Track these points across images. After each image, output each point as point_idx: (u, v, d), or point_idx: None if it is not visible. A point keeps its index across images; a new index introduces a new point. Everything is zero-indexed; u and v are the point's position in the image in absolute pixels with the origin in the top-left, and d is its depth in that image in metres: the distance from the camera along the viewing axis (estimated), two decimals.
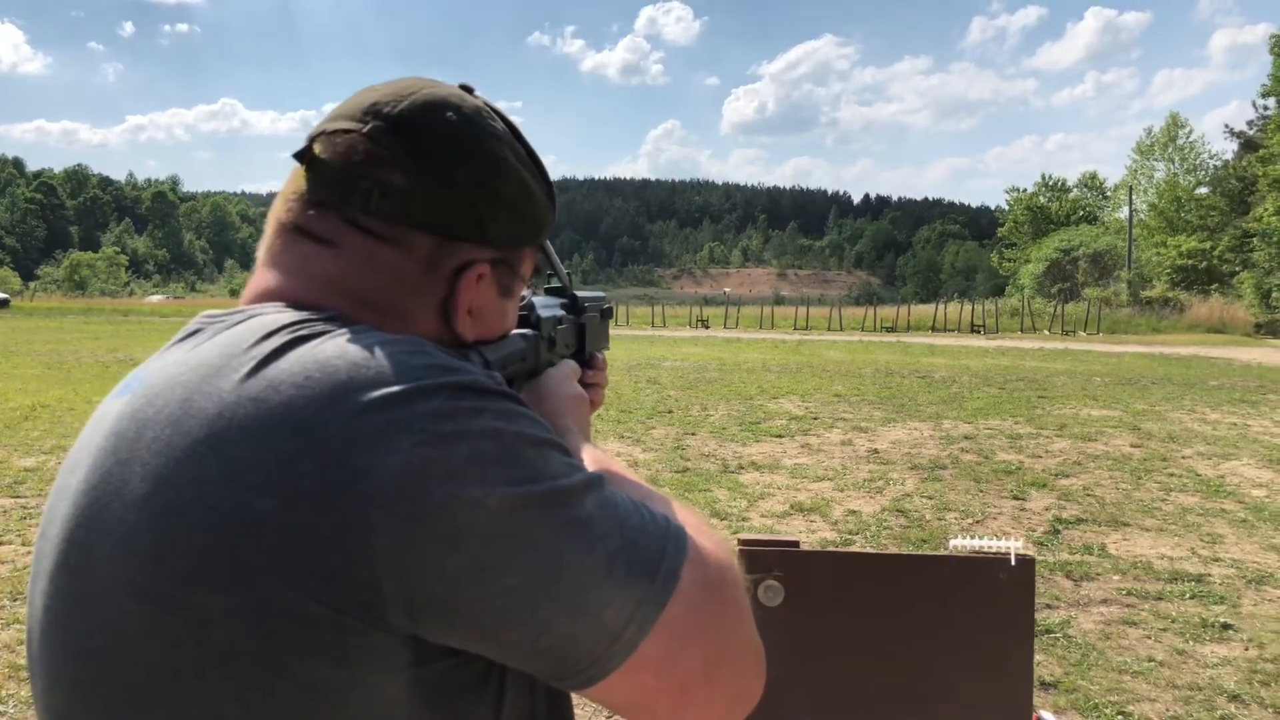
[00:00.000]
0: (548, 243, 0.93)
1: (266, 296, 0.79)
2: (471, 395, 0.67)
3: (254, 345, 0.69)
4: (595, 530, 0.66)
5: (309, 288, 0.78)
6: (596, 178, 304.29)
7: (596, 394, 1.18)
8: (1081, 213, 64.36)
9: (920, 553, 1.24)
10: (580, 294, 1.21)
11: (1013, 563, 1.27)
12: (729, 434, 9.84)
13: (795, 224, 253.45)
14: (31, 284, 78.33)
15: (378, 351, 0.68)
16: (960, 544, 1.31)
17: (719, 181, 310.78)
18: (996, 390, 13.90)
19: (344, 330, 0.71)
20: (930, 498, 7.01)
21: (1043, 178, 68.44)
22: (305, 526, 0.61)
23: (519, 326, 0.99)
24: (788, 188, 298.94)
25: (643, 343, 26.43)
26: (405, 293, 0.79)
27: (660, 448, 8.99)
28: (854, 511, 6.58)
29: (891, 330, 35.32)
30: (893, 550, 5.61)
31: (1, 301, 45.23)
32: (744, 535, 1.33)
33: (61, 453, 8.34)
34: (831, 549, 1.31)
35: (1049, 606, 4.69)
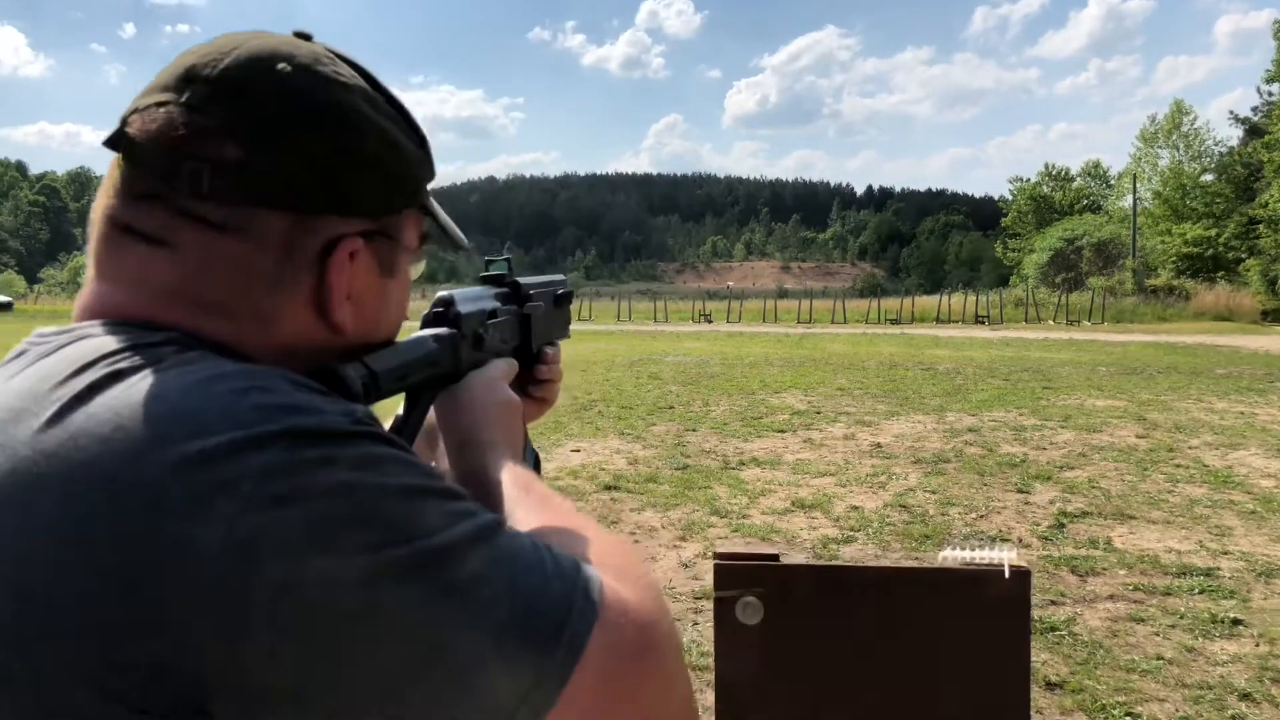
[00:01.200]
0: (433, 203, 0.81)
1: (96, 313, 0.67)
2: (318, 442, 0.55)
3: (63, 382, 0.57)
4: (480, 596, 0.55)
5: (143, 299, 0.66)
6: (598, 173, 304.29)
7: (548, 391, 1.07)
8: (1085, 202, 64.21)
9: (909, 565, 1.16)
10: (527, 280, 1.08)
11: (1006, 575, 1.18)
12: (730, 430, 9.75)
13: (798, 217, 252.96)
14: (36, 287, 78.35)
15: (202, 391, 0.56)
16: (952, 555, 1.23)
17: (721, 175, 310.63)
18: (1001, 381, 13.80)
19: (172, 362, 0.59)
20: (933, 492, 6.92)
21: (1046, 167, 68.28)
22: (107, 614, 0.50)
23: (435, 324, 0.88)
24: (790, 180, 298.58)
25: (645, 338, 26.35)
26: (263, 290, 0.67)
27: (661, 444, 8.91)
28: (856, 507, 6.49)
29: (895, 322, 35.20)
30: (895, 547, 5.54)
31: (4, 305, 45.36)
32: (720, 549, 1.24)
33: None
34: (813, 562, 1.23)
35: (1054, 603, 4.60)
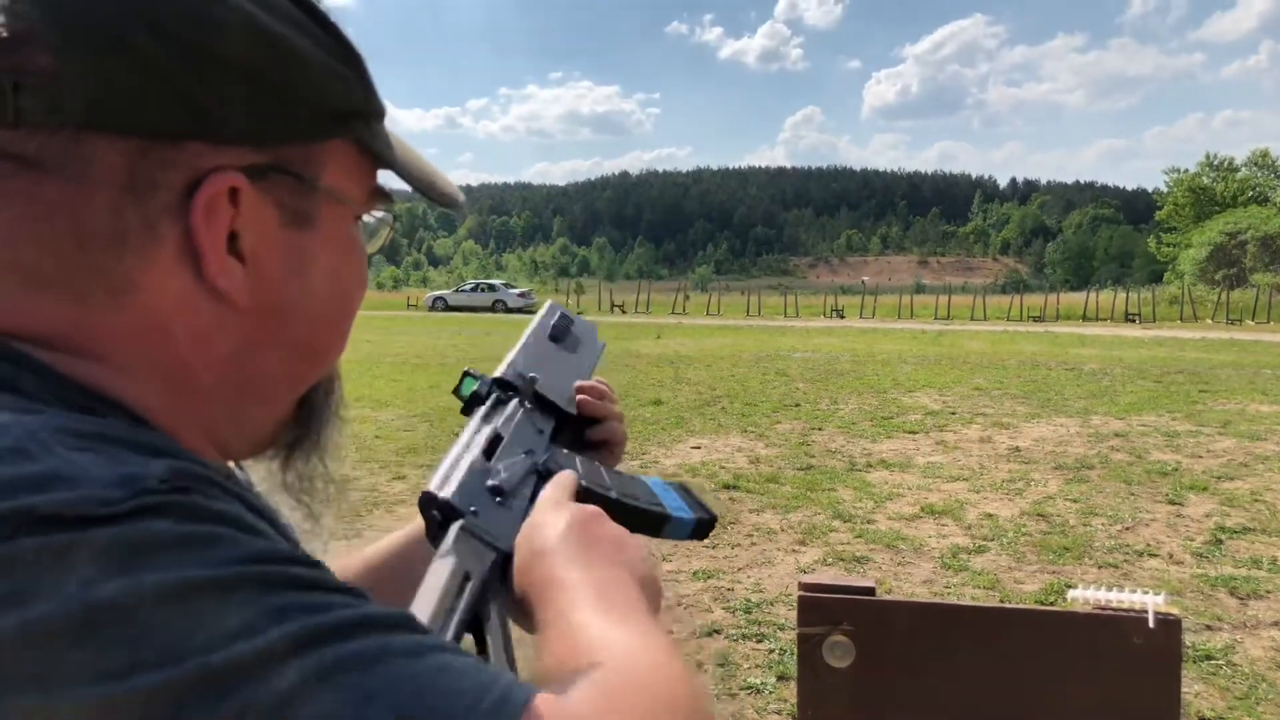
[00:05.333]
0: (388, 140, 0.61)
1: None
2: (55, 528, 0.38)
3: None
4: None
5: None
6: (731, 167, 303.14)
7: (608, 433, 0.88)
8: (1251, 193, 60.31)
9: (1030, 606, 0.99)
10: (507, 362, 0.86)
11: (1151, 624, 0.98)
12: (859, 429, 9.43)
13: (937, 210, 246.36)
14: None
15: None
16: (1083, 596, 1.03)
17: (857, 168, 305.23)
18: (1152, 384, 12.98)
19: None
20: (1075, 501, 6.49)
21: (1207, 157, 64.31)
22: None
23: (435, 533, 0.65)
24: (929, 173, 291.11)
25: (773, 333, 25.99)
26: (103, 248, 0.49)
27: (784, 443, 8.68)
28: (990, 515, 6.14)
29: (1039, 320, 33.78)
30: (1031, 559, 5.19)
31: None
32: (806, 579, 1.08)
33: None
34: (915, 599, 1.06)
35: (1209, 628, 4.21)
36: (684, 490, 0.87)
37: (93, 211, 0.49)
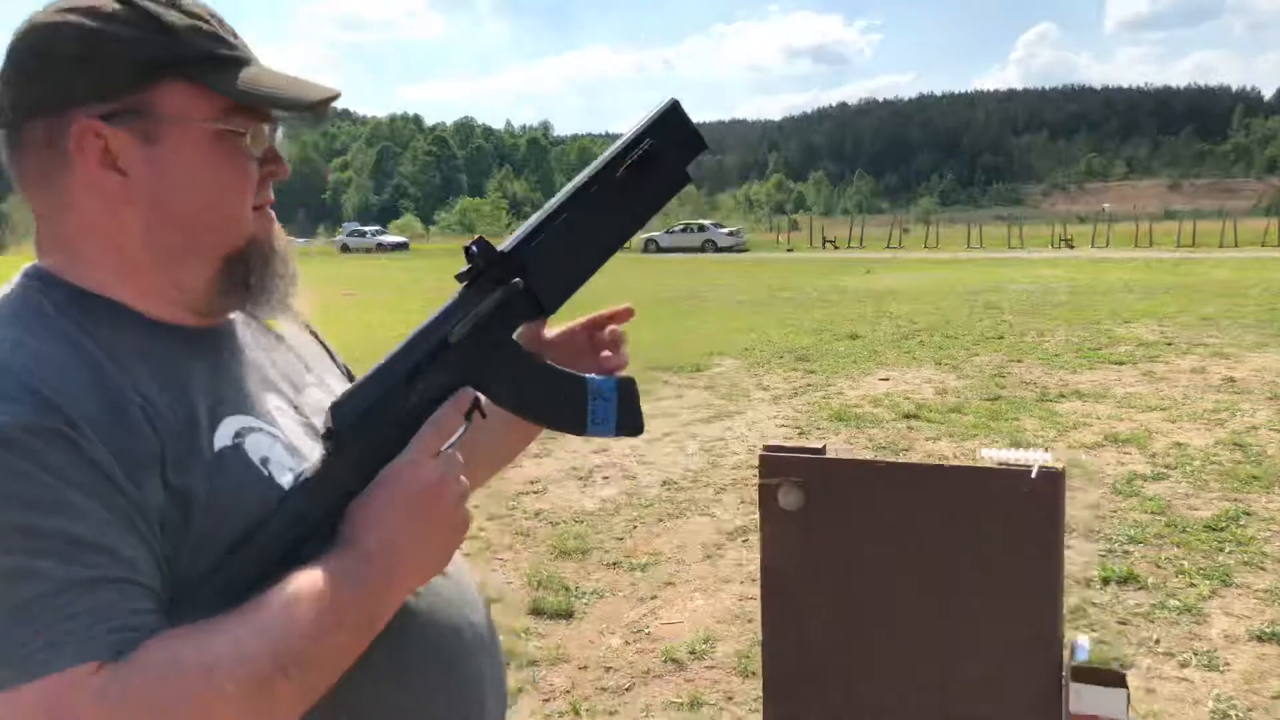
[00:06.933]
0: (241, 74, 0.82)
1: None
2: None
3: None
4: None
5: None
6: (957, 92, 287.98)
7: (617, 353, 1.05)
8: None
9: (940, 463, 1.15)
10: (517, 245, 0.86)
11: (1033, 475, 1.18)
12: (1060, 361, 9.16)
13: (1192, 128, 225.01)
14: (430, 228, 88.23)
15: None
16: (990, 455, 1.24)
17: (1098, 86, 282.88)
18: None
19: None
20: None
21: None
22: None
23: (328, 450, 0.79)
24: (1182, 87, 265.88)
25: (994, 265, 25.02)
26: (52, 188, 0.81)
27: (977, 375, 8.57)
28: (1180, 444, 5.93)
29: None
30: (1213, 487, 5.04)
31: (401, 244, 51.86)
32: (768, 443, 1.34)
33: None
34: (855, 458, 1.29)
35: None
36: (625, 394, 0.88)
37: (39, 164, 0.81)
